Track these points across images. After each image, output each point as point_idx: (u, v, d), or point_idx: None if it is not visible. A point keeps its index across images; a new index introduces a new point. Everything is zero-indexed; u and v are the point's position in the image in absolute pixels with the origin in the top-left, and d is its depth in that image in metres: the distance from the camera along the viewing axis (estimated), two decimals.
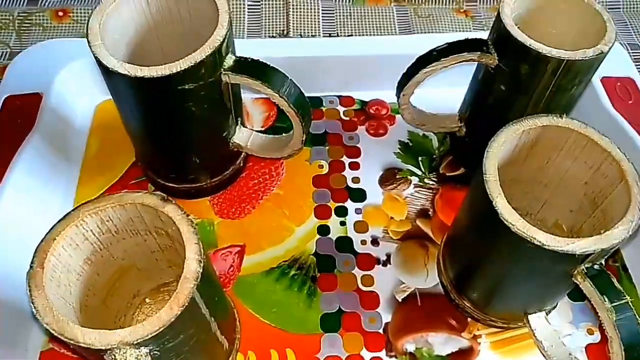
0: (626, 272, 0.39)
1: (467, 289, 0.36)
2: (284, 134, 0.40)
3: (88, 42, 0.32)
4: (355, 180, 0.44)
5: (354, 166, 0.44)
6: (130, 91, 0.32)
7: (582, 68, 0.34)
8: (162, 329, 0.24)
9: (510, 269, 0.30)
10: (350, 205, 0.42)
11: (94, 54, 0.31)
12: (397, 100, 0.40)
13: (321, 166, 0.44)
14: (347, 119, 0.47)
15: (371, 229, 0.41)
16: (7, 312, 0.35)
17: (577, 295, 0.38)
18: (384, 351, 0.36)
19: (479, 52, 0.36)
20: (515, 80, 0.35)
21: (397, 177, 0.44)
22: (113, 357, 0.24)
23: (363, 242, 0.41)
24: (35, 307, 0.24)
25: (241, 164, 0.43)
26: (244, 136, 0.40)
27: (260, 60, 0.34)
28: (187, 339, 0.26)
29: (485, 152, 0.29)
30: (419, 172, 0.44)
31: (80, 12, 0.54)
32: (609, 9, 0.57)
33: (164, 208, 0.27)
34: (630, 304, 0.27)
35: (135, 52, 0.37)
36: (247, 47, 0.46)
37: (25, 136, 0.41)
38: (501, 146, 0.30)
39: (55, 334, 0.23)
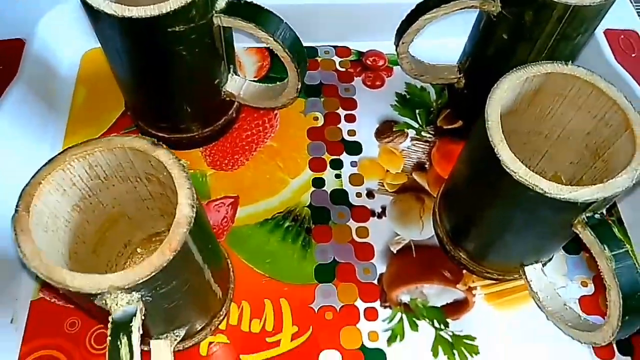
0: (621, 225, 0.39)
1: (463, 240, 0.35)
2: (278, 83, 0.38)
3: None
4: (351, 133, 0.43)
5: (350, 118, 0.43)
6: (118, 34, 0.30)
7: (589, 15, 0.32)
8: (153, 274, 0.23)
9: (510, 219, 0.30)
10: (345, 158, 0.41)
11: None
12: (396, 49, 0.39)
13: (316, 118, 0.43)
14: (343, 70, 0.46)
15: (367, 181, 0.40)
16: None
17: (572, 248, 0.38)
18: (378, 302, 0.36)
19: None
20: (519, 27, 0.34)
21: (394, 130, 0.43)
22: (104, 302, 0.23)
23: (358, 195, 0.40)
24: (21, 251, 0.23)
25: (234, 115, 0.41)
26: (236, 85, 0.38)
27: (254, 2, 0.32)
28: (179, 286, 0.26)
29: (488, 98, 0.28)
30: (416, 125, 0.43)
31: None
32: None
33: (155, 152, 0.26)
34: (630, 252, 0.26)
35: None
36: None
37: (8, 84, 0.40)
38: (504, 92, 0.29)
39: (43, 278, 0.23)
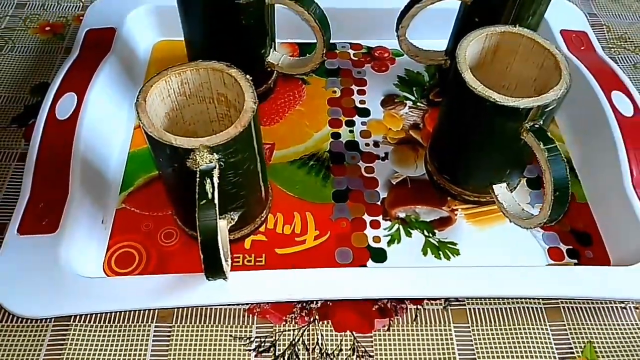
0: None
1: (445, 169, 0.46)
2: (307, 54, 0.51)
3: None
4: (362, 102, 0.55)
5: (361, 92, 0.56)
6: (200, 5, 0.43)
7: (534, 2, 0.45)
8: (230, 139, 0.34)
9: (477, 138, 0.41)
10: (357, 119, 0.53)
11: None
12: (396, 33, 0.51)
13: (334, 91, 0.56)
14: (356, 59, 0.59)
15: (373, 135, 0.52)
16: (93, 184, 0.46)
17: (534, 184, 0.49)
18: (380, 216, 0.46)
19: None
20: (486, 10, 0.47)
21: (395, 100, 0.55)
22: (194, 157, 0.34)
23: (367, 144, 0.51)
24: (142, 123, 0.35)
25: (272, 85, 0.54)
26: (276, 57, 0.51)
27: None
28: (242, 163, 0.37)
29: (458, 45, 0.40)
30: (413, 98, 0.55)
31: None
32: None
33: (229, 70, 0.38)
34: (558, 147, 0.37)
35: None
36: None
37: (103, 57, 0.52)
38: (470, 42, 0.41)
39: (157, 139, 0.34)
